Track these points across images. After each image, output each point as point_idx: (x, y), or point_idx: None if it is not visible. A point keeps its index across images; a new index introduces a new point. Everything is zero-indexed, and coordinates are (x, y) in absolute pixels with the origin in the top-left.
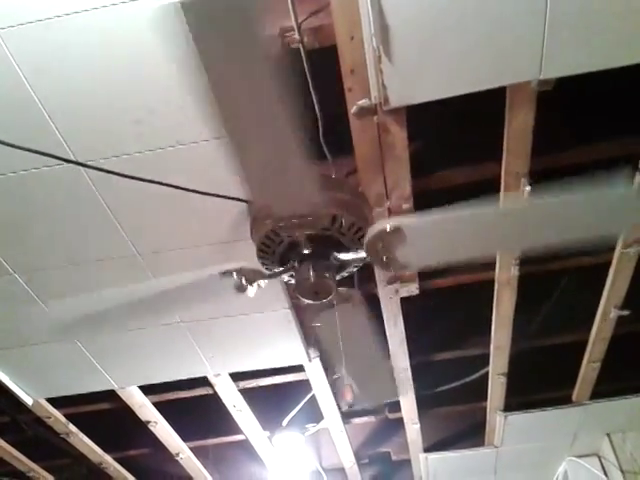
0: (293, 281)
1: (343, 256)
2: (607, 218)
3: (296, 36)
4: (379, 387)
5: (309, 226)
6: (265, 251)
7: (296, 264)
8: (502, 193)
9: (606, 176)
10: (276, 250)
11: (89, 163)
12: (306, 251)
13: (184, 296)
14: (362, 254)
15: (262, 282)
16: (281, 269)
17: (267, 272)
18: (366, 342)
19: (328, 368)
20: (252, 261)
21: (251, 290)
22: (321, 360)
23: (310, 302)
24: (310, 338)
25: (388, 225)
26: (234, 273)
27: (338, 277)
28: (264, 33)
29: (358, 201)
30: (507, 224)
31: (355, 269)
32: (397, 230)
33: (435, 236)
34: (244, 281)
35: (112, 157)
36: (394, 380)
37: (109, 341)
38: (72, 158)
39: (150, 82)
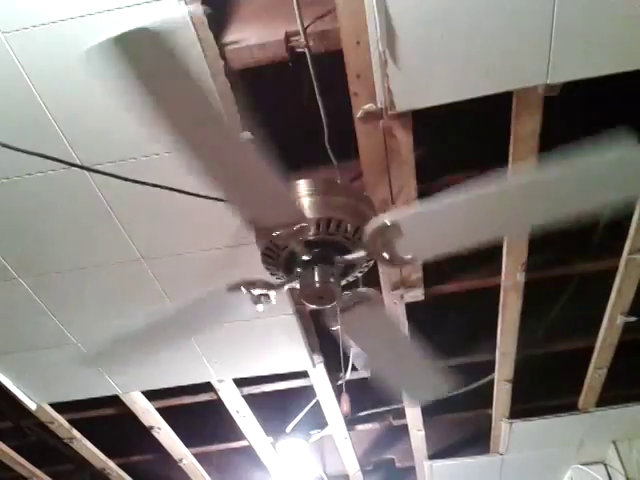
0: (297, 286)
1: (347, 257)
2: (612, 183)
3: (302, 40)
4: (426, 382)
5: (300, 234)
6: (269, 259)
7: (301, 270)
8: None
9: (608, 141)
10: (280, 257)
11: (95, 167)
12: (306, 258)
13: (198, 317)
14: (364, 253)
15: (271, 294)
16: (288, 278)
17: (276, 282)
18: (397, 339)
19: (334, 373)
20: (259, 266)
21: (260, 305)
22: (325, 366)
23: (314, 307)
24: (314, 344)
25: (386, 220)
26: (242, 287)
27: (343, 282)
28: (186, 65)
29: (363, 206)
30: (509, 202)
31: (360, 274)
32: (395, 224)
33: (435, 226)
34: (254, 292)
35: (118, 161)
36: (442, 373)
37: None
38: (77, 162)
39: None
